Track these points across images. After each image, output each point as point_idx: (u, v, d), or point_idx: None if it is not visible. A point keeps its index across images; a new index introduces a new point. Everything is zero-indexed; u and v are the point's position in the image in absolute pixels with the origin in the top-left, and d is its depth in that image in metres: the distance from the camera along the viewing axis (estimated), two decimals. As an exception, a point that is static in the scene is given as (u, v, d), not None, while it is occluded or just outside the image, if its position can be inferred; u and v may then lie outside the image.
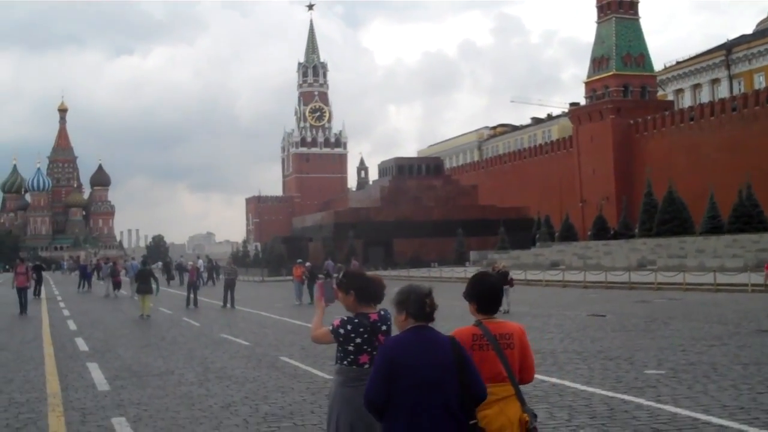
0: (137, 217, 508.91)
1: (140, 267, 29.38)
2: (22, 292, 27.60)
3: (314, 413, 9.58)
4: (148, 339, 18.88)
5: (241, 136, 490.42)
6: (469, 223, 75.23)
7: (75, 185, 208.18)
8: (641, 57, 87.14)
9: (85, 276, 48.47)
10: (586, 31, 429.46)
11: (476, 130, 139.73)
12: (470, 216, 78.41)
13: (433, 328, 4.51)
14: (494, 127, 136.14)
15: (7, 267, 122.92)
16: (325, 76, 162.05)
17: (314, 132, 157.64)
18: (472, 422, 4.30)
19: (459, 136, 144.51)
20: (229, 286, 29.76)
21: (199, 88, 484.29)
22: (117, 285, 39.88)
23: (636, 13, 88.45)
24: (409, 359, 4.26)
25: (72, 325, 22.82)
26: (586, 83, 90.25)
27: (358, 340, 5.22)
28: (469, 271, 50.59)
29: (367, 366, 5.11)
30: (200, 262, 51.18)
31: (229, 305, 29.06)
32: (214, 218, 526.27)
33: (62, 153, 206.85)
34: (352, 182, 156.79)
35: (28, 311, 26.75)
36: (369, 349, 5.20)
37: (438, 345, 4.36)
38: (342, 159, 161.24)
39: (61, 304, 33.51)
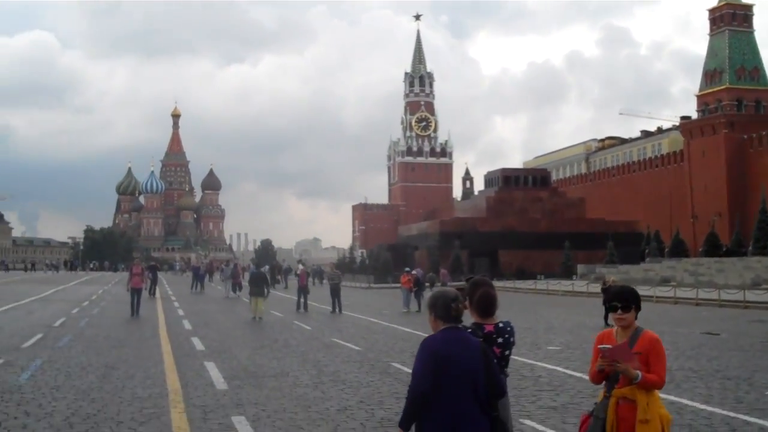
0: (246, 222, 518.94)
1: (254, 270, 29.98)
2: (135, 293, 27.20)
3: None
4: (262, 341, 19.26)
5: (348, 144, 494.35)
6: (576, 235, 74.32)
7: (187, 189, 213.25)
8: (756, 71, 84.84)
9: (198, 277, 49.65)
10: (698, 44, 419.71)
11: (584, 143, 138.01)
12: (577, 229, 77.49)
13: (462, 329, 4.97)
14: (602, 140, 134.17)
15: (122, 267, 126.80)
16: (431, 86, 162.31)
17: (420, 141, 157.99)
18: (494, 414, 4.80)
19: (566, 148, 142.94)
20: (335, 291, 30.24)
21: (307, 96, 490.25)
22: (238, 286, 40.77)
23: (750, 25, 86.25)
24: (450, 353, 4.73)
25: (187, 325, 23.43)
26: (698, 96, 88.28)
27: None
28: (577, 285, 50.00)
29: None
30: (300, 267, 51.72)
31: (337, 311, 29.51)
32: (321, 224, 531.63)
33: (175, 157, 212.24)
34: (457, 192, 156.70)
35: (141, 311, 27.00)
36: None
37: (471, 343, 4.87)
38: (447, 169, 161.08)
39: (176, 304, 34.42)
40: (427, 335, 4.95)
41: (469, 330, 5.27)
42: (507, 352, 5.42)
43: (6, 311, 28.45)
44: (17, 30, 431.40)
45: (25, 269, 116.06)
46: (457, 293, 5.04)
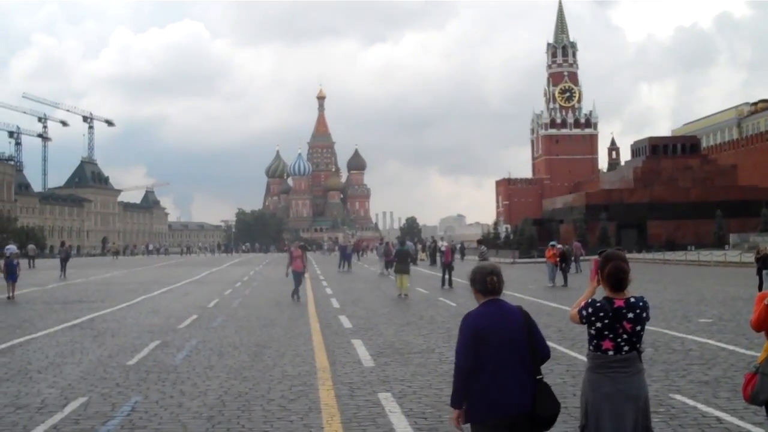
0: (391, 200, 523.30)
1: (399, 248, 30.20)
2: (298, 276, 26.48)
3: (575, 396, 9.51)
4: (408, 317, 19.42)
5: (491, 119, 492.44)
6: (728, 204, 71.78)
7: (333, 169, 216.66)
8: None
9: (345, 256, 50.40)
10: None
11: (735, 107, 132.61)
12: (730, 197, 74.80)
13: (503, 300, 5.26)
14: (755, 103, 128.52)
15: (272, 248, 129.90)
16: (574, 55, 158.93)
17: (564, 113, 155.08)
18: (539, 377, 5.09)
19: (716, 113, 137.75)
20: None
21: (449, 72, 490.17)
22: (390, 264, 41.26)
23: None
24: (490, 326, 5.05)
25: (335, 303, 23.85)
26: None
27: (599, 325, 5.23)
28: (729, 255, 48.30)
29: (611, 353, 5.20)
30: (443, 243, 51.78)
31: None
32: (465, 200, 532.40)
33: (321, 139, 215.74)
34: (602, 163, 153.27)
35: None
36: (611, 336, 5.21)
37: (511, 313, 5.17)
38: (592, 140, 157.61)
39: (324, 283, 35.08)
40: (566, 308, 4.92)
41: (599, 304, 5.25)
42: (638, 328, 5.26)
43: (163, 294, 29.64)
44: (168, 21, 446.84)
45: (181, 253, 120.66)
46: (494, 267, 5.37)
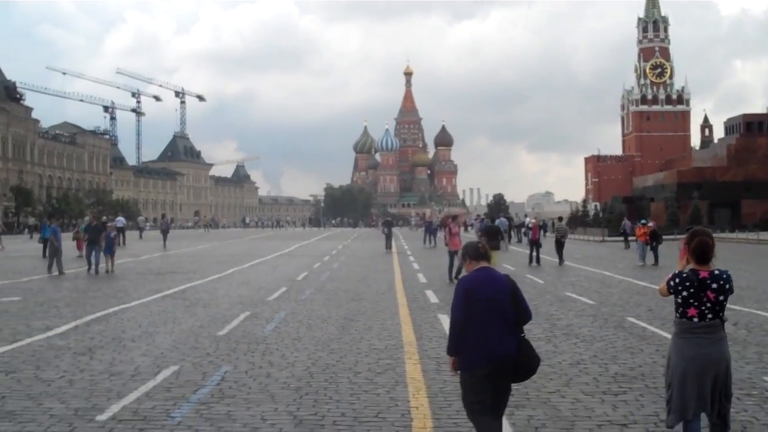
0: (478, 176, 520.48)
1: (488, 224, 30.10)
2: (453, 255, 23.67)
3: (666, 376, 9.40)
4: (494, 294, 19.27)
5: (579, 95, 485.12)
6: (826, 182, 69.37)
7: (420, 145, 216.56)
8: None
9: (431, 232, 50.34)
10: None
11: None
12: (828, 175, 72.27)
13: (493, 269, 6.14)
14: None
15: (360, 223, 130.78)
16: (666, 30, 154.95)
17: (655, 89, 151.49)
18: (522, 335, 5.96)
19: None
20: (559, 244, 30.32)
21: (537, 48, 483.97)
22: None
23: None
24: (478, 289, 5.91)
25: (422, 278, 23.86)
26: None
27: (685, 293, 5.86)
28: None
29: (696, 320, 5.83)
30: (530, 220, 51.12)
31: (558, 261, 29.98)
32: (553, 177, 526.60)
33: (408, 115, 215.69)
34: (694, 141, 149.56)
35: (380, 266, 26.84)
36: (696, 304, 5.82)
37: (497, 279, 6.02)
38: (684, 116, 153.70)
39: (411, 258, 35.14)
40: (657, 287, 4.91)
41: (685, 275, 5.87)
42: (721, 298, 5.84)
43: (254, 266, 30.11)
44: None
45: (272, 226, 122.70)
46: (480, 240, 6.74)
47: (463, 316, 5.87)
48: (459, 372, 6.06)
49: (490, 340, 5.81)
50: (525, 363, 5.91)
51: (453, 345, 6.01)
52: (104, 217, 61.80)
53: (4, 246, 45.32)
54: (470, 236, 46.83)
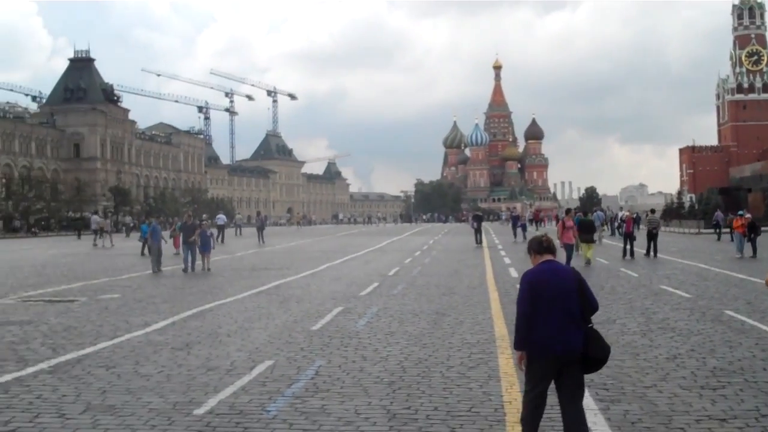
0: (569, 170, 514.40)
1: (581, 218, 29.76)
2: (569, 249, 25.15)
3: (766, 370, 9.18)
4: (587, 288, 19.06)
5: (672, 85, 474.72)
6: None
7: (510, 139, 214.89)
8: None
9: (521, 226, 49.67)
10: None
11: None
12: None
13: (557, 261, 6.29)
14: None
15: (451, 218, 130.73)
16: (762, 17, 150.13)
17: (751, 77, 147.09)
18: (589, 325, 6.03)
19: None
20: (652, 236, 29.88)
21: (629, 38, 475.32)
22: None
23: None
24: (542, 282, 6.03)
25: (513, 273, 23.68)
26: None
27: None
28: None
29: None
30: (623, 213, 50.21)
31: (651, 254, 29.44)
32: (646, 169, 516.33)
33: (497, 109, 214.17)
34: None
35: (471, 261, 26.77)
36: None
37: (562, 272, 6.15)
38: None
39: (502, 252, 34.95)
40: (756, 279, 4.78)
41: None
42: None
43: (346, 262, 30.33)
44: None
45: (363, 222, 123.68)
46: (544, 234, 6.60)
47: (528, 309, 5.98)
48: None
49: (556, 333, 5.89)
50: (594, 354, 5.95)
51: (519, 339, 6.12)
52: (204, 215, 63.71)
53: (114, 243, 47.79)
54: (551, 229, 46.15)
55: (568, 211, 30.64)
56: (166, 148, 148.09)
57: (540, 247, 6.28)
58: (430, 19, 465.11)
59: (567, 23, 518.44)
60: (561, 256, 21.64)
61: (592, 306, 6.08)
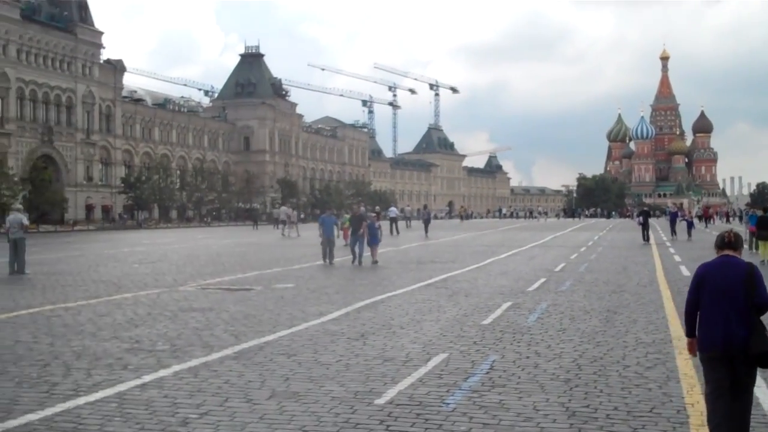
0: (740, 165, 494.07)
1: (761, 214, 28.56)
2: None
3: None
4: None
5: None
6: None
7: (677, 132, 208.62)
8: None
9: (674, 223, 47.65)
10: None
11: None
12: None
13: (735, 256, 6.20)
14: None
15: (614, 214, 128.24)
16: None
17: None
18: (753, 320, 5.87)
19: None
20: None
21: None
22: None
23: None
24: (711, 274, 6.11)
25: (685, 271, 23.04)
26: None
27: None
28: None
29: None
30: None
31: None
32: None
33: (664, 101, 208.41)
34: None
35: (628, 259, 26.08)
36: None
37: (734, 266, 6.09)
38: None
39: (671, 250, 34.02)
40: None
41: None
42: None
43: (510, 257, 30.24)
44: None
45: (525, 217, 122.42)
46: (731, 229, 6.63)
47: (692, 297, 6.17)
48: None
49: (718, 325, 5.93)
50: (755, 348, 5.83)
51: (687, 326, 6.31)
52: (377, 207, 65.25)
53: (299, 233, 50.22)
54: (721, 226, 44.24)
55: (765, 209, 29.55)
56: (331, 141, 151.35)
57: (721, 242, 6.31)
58: (594, 10, 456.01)
59: (738, 12, 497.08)
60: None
61: (761, 300, 5.93)
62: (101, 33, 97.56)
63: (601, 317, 13.76)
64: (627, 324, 12.99)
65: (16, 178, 74.87)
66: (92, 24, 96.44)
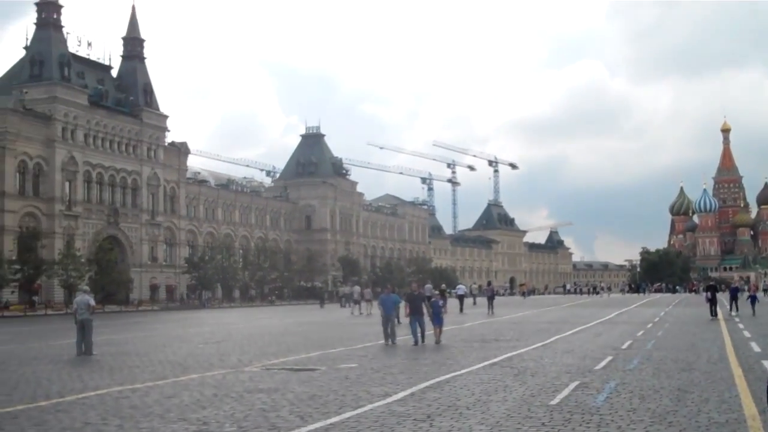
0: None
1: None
2: None
3: None
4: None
5: None
6: None
7: (741, 205, 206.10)
8: None
9: (734, 298, 46.69)
10: None
11: None
12: None
13: None
14: None
15: (679, 288, 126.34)
16: None
17: None
18: None
19: None
20: None
21: None
22: None
23: None
24: None
25: (755, 347, 22.57)
26: None
27: None
28: None
29: None
30: None
31: None
32: None
33: (727, 173, 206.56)
34: None
35: (702, 334, 25.87)
36: None
37: None
38: None
39: (740, 325, 33.32)
40: None
41: None
42: None
43: (575, 333, 29.89)
44: (566, 63, 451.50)
45: (588, 293, 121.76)
46: None
47: None
48: None
49: None
50: None
51: None
52: (442, 285, 65.71)
53: (372, 312, 48.32)
54: None
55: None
56: (391, 219, 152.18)
57: None
58: (653, 84, 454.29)
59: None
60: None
61: None
62: (166, 116, 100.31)
63: (672, 396, 13.50)
64: (699, 403, 12.72)
65: (83, 260, 76.50)
66: (157, 108, 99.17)
